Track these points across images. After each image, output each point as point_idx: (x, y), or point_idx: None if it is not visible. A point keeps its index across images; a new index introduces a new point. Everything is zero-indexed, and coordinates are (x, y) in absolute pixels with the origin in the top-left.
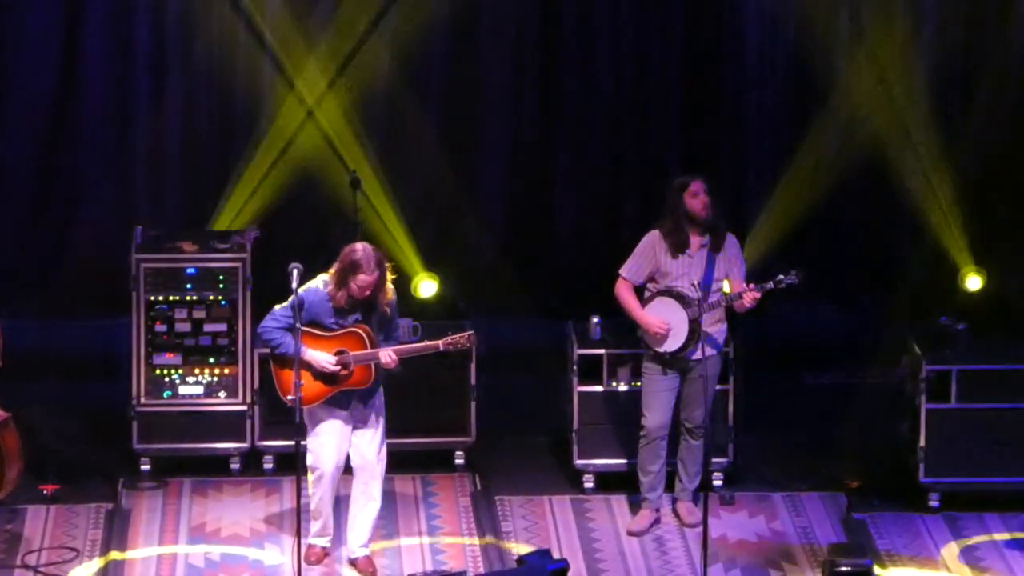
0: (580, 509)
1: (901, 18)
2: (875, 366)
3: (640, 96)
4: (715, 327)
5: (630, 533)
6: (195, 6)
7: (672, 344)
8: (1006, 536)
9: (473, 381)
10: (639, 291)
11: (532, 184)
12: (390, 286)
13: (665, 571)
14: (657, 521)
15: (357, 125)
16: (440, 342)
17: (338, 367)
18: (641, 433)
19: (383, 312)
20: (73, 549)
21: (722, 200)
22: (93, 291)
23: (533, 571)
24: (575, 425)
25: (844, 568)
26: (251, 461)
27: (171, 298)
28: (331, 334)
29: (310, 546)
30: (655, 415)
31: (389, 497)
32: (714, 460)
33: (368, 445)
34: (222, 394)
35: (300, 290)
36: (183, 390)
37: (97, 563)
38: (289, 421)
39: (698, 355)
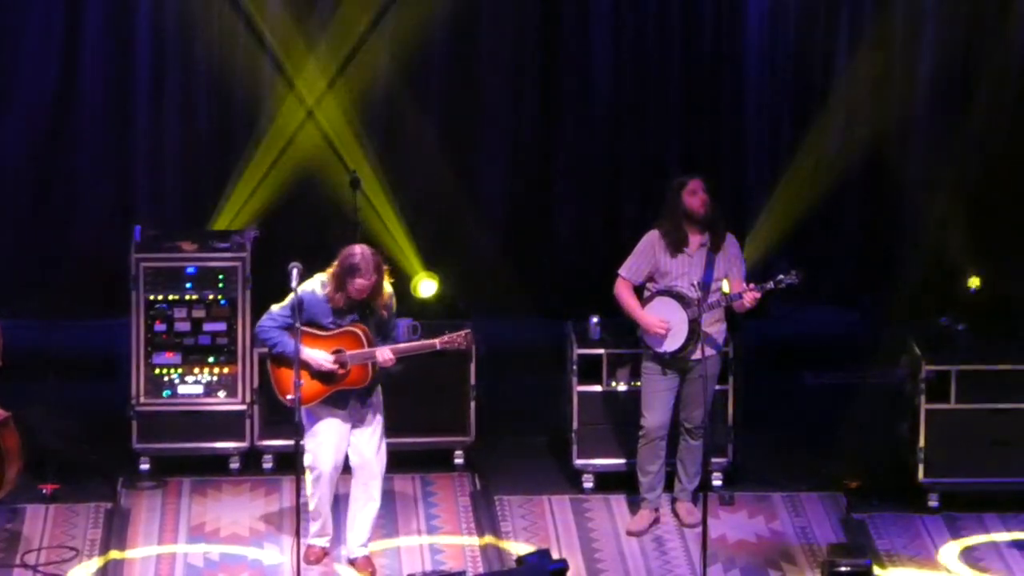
0: (579, 509)
1: (901, 18)
2: (875, 366)
3: (640, 96)
4: (715, 327)
5: (629, 533)
6: (195, 6)
7: (672, 344)
8: (1006, 536)
9: (473, 381)
10: (639, 291)
11: (532, 184)
12: (388, 289)
13: (664, 571)
14: (656, 521)
15: (357, 125)
16: (437, 341)
17: (335, 366)
18: (640, 433)
19: (380, 314)
20: (72, 548)
21: (722, 200)
22: (93, 291)
23: (532, 571)
24: (574, 425)
25: (844, 568)
26: (250, 461)
27: (170, 297)
28: (328, 334)
29: (309, 546)
30: (654, 415)
31: (388, 497)
32: (713, 460)
33: (367, 444)
34: (221, 394)
35: (298, 290)
36: (182, 389)
37: (96, 562)
38: (288, 421)
39: (698, 355)
